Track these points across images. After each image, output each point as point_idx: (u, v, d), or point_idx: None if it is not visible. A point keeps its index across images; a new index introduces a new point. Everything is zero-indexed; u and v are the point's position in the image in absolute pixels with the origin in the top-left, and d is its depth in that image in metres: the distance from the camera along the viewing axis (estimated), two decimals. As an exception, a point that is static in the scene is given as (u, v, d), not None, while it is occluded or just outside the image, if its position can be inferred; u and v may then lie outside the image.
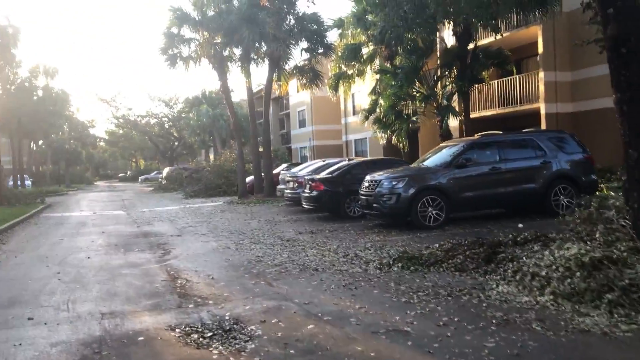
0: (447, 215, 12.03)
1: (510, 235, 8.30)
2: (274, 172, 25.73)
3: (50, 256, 11.38)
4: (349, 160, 17.08)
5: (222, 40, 23.59)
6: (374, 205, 12.37)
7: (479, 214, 13.34)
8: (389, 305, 6.32)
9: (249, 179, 25.35)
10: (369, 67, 23.98)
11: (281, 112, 52.70)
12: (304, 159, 41.95)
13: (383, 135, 20.33)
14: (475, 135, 13.81)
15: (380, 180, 12.40)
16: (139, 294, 7.59)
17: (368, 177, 13.03)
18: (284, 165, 29.46)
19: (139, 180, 75.91)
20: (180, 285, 8.08)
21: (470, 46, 18.59)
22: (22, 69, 40.36)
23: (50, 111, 45.44)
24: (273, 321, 5.96)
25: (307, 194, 15.61)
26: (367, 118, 21.43)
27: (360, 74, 24.34)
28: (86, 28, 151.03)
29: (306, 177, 16.03)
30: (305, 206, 15.90)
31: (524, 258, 7.08)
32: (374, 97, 21.93)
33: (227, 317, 6.19)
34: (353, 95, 35.24)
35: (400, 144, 19.69)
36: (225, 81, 24.61)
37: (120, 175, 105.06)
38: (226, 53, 24.38)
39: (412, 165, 14.22)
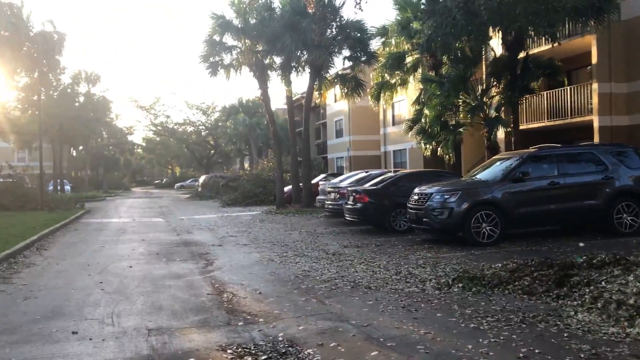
0: (501, 232, 11.39)
1: (584, 257, 7.65)
2: (312, 182, 25.36)
3: (92, 264, 11.17)
4: (394, 171, 16.51)
5: (264, 47, 23.37)
6: (424, 219, 11.81)
7: (534, 232, 12.63)
8: (457, 331, 5.80)
9: (286, 188, 25.02)
10: (411, 76, 23.44)
11: (317, 121, 52.38)
12: (340, 170, 41.52)
13: (428, 146, 19.72)
14: (531, 148, 13.14)
15: (431, 194, 11.85)
16: (185, 308, 7.24)
17: (417, 190, 12.48)
18: (322, 175, 29.10)
19: (175, 187, 76.56)
20: (227, 299, 7.70)
21: (521, 55, 17.90)
22: (64, 75, 41.19)
23: (91, 117, 46.19)
24: (331, 345, 5.50)
25: (350, 206, 15.13)
26: (410, 128, 20.84)
27: (403, 83, 23.78)
28: (126, 36, 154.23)
29: (349, 189, 15.54)
30: (348, 218, 15.41)
31: (603, 283, 6.47)
32: (417, 107, 21.36)
33: (280, 338, 5.77)
34: (393, 105, 34.56)
35: (446, 156, 19.03)
36: (265, 90, 24.37)
37: (156, 182, 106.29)
38: (267, 61, 24.12)
39: (462, 179, 13.61)
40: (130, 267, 10.72)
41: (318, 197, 20.79)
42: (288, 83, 23.85)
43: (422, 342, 5.48)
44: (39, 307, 7.46)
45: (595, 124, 19.08)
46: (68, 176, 57.09)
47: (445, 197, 11.53)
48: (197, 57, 24.04)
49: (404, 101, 32.49)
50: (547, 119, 21.29)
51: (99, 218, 23.98)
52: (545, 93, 21.30)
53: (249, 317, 6.73)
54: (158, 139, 78.17)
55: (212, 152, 68.38)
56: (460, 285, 7.62)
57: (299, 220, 19.64)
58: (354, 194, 14.82)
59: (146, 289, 8.53)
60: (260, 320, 6.57)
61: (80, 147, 61.99)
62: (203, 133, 65.03)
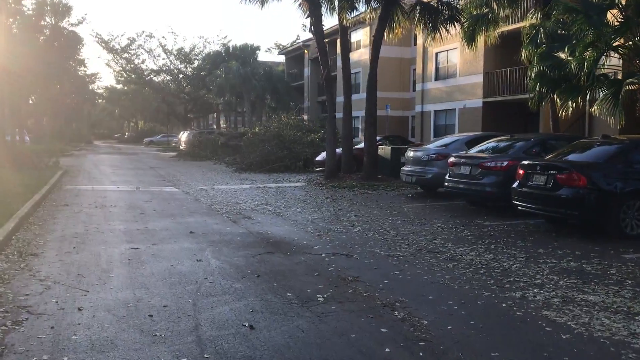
0: None
1: None
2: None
3: (158, 309, 5.21)
4: (603, 136, 10.54)
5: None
6: None
7: None
8: None
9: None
10: (502, 10, 17.68)
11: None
12: (355, 132, 35.52)
13: (569, 103, 14.08)
14: None
15: None
16: None
17: None
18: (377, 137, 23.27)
19: (144, 142, 69.30)
20: None
21: None
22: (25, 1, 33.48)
23: (55, 58, 38.46)
24: None
25: (537, 192, 9.30)
26: (541, 78, 15.04)
27: (495, 20, 18.04)
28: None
29: (533, 163, 9.58)
30: (523, 208, 9.64)
31: None
32: (537, 50, 15.56)
33: None
34: (437, 55, 28.90)
35: (610, 117, 13.40)
36: (319, 17, 18.02)
37: (116, 135, 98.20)
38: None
39: None
40: (252, 327, 4.83)
41: (404, 168, 14.93)
42: (351, 8, 17.48)
43: None
44: None
45: None
46: (25, 126, 49.10)
47: None
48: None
49: (455, 50, 26.74)
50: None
51: (86, 183, 17.59)
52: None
53: None
54: (125, 88, 69.99)
55: (189, 105, 60.64)
56: None
57: (387, 200, 13.86)
58: (552, 171, 9.02)
59: None
60: None
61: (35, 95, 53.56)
62: (184, 83, 57.26)
